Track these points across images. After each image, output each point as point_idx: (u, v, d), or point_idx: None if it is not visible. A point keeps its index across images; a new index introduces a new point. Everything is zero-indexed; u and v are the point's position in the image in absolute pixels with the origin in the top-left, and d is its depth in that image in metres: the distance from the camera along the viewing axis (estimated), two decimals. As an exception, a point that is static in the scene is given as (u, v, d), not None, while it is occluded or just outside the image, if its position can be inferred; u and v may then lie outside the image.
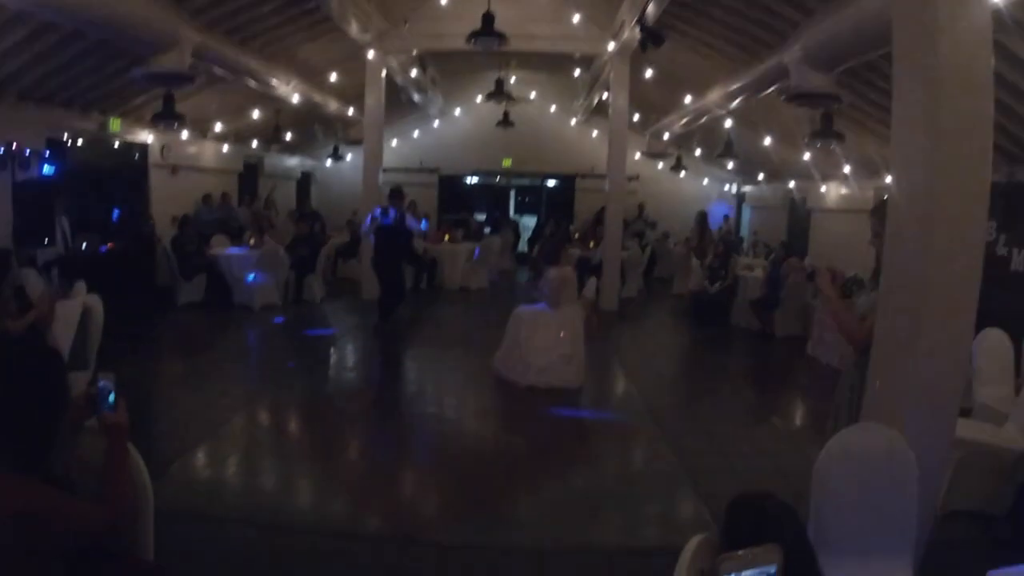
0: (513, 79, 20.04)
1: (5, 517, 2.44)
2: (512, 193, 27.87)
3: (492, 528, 5.61)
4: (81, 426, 2.97)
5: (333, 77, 15.55)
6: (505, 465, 7.01)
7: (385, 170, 16.66)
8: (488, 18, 11.38)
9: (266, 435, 7.85)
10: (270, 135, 18.37)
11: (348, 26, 13.13)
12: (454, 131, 24.30)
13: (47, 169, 11.52)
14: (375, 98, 15.33)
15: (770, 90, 11.25)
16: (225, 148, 18.23)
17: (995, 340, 6.79)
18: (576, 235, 20.19)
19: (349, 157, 22.60)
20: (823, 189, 16.47)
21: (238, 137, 18.30)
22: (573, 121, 23.95)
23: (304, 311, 14.33)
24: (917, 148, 4.05)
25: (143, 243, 13.71)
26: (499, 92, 17.93)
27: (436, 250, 18.02)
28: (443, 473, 6.77)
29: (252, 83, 13.38)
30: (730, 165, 20.05)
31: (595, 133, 22.81)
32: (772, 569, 2.08)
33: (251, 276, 13.78)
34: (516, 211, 27.70)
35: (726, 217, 23.23)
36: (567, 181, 25.13)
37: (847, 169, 13.86)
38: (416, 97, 19.97)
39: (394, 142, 23.26)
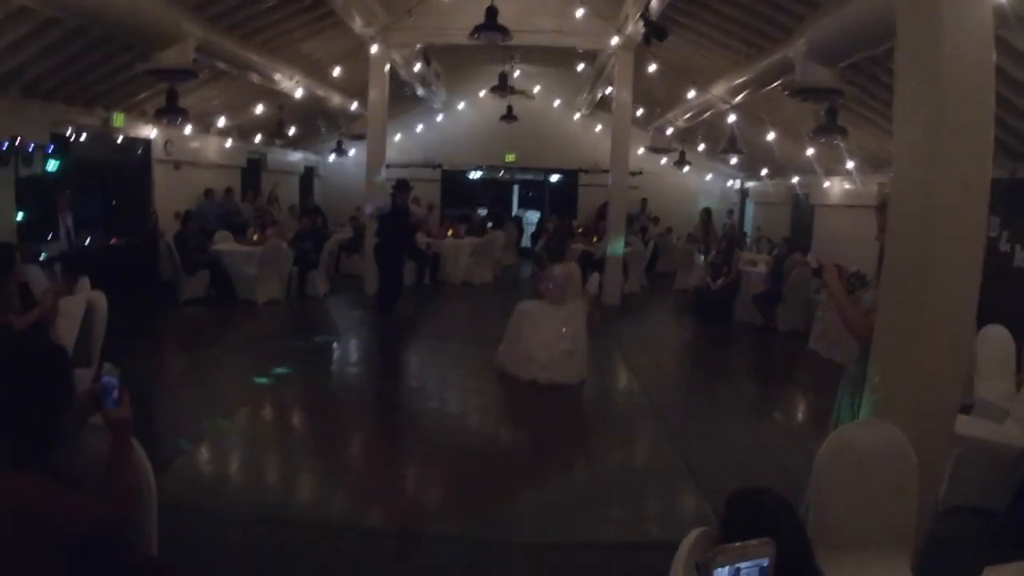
0: (517, 73, 20.01)
1: (9, 512, 2.46)
2: (515, 188, 27.86)
3: (494, 523, 5.63)
4: (85, 422, 2.98)
5: (336, 71, 15.52)
6: (507, 460, 7.04)
7: (388, 165, 16.64)
8: (492, 12, 11.37)
9: (269, 430, 7.87)
10: (273, 130, 18.36)
11: (352, 20, 13.13)
12: (457, 126, 24.24)
13: (51, 164, 11.53)
14: (379, 92, 15.33)
15: (774, 85, 11.24)
16: (228, 143, 18.21)
17: (996, 336, 6.80)
18: (579, 230, 20.19)
19: (352, 152, 22.58)
20: (827, 184, 16.45)
21: (241, 132, 18.29)
22: (576, 116, 23.93)
23: (307, 306, 14.35)
24: (918, 144, 4.05)
25: (146, 238, 13.72)
26: (503, 86, 17.91)
27: (439, 245, 18.02)
28: (445, 468, 6.79)
29: (255, 78, 13.38)
30: (734, 160, 20.03)
31: (598, 128, 22.77)
32: (765, 562, 2.10)
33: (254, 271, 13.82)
34: (519, 206, 27.71)
35: (730, 212, 23.22)
36: (570, 176, 25.07)
37: (851, 164, 13.84)
38: (420, 91, 19.95)
39: (397, 137, 23.22)
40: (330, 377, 9.92)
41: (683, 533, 2.93)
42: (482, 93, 20.85)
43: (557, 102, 23.60)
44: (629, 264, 16.99)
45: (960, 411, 6.19)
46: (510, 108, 20.70)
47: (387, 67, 15.27)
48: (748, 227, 22.43)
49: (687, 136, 20.55)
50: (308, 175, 24.76)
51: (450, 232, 18.82)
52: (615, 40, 13.97)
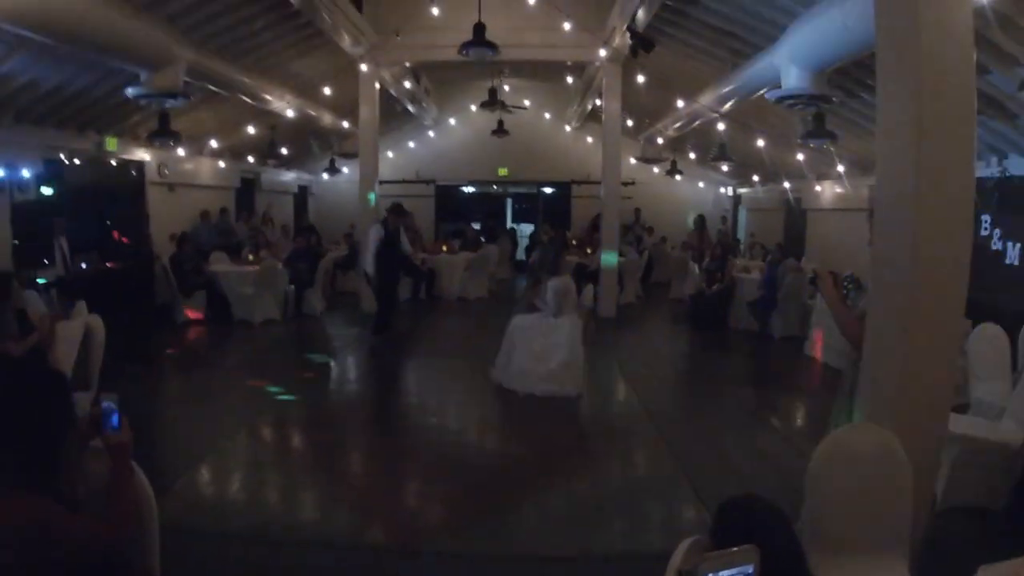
0: (507, 88, 20.10)
1: (13, 535, 2.48)
2: (509, 202, 27.91)
3: (494, 537, 5.65)
4: (86, 446, 3.00)
5: (327, 91, 15.60)
6: (507, 474, 7.05)
7: (381, 182, 16.70)
8: (479, 28, 11.43)
9: (270, 449, 7.89)
10: (266, 150, 18.44)
11: (340, 40, 13.21)
12: (449, 141, 24.34)
13: (45, 190, 11.56)
14: (369, 110, 15.38)
15: (761, 92, 11.30)
16: (222, 164, 18.27)
17: (991, 335, 6.82)
18: (573, 242, 20.24)
19: (345, 170, 22.64)
20: (818, 189, 16.53)
21: (234, 153, 18.35)
22: (567, 128, 24.03)
23: (304, 325, 14.37)
24: (901, 145, 4.08)
25: (141, 261, 13.74)
26: (493, 101, 17.99)
27: (434, 260, 18.06)
28: (444, 483, 6.80)
29: (247, 99, 13.44)
30: (725, 168, 20.11)
31: (590, 140, 22.87)
32: (749, 569, 2.10)
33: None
34: (513, 219, 27.73)
35: (724, 219, 23.29)
36: (563, 188, 25.14)
37: (841, 168, 13.91)
38: (410, 108, 20.03)
39: (390, 153, 23.31)
40: (329, 395, 9.93)
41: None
42: (473, 108, 20.94)
43: (548, 115, 23.71)
44: (624, 275, 17.02)
45: (956, 411, 6.25)
46: (501, 122, 20.79)
47: (377, 85, 15.34)
48: (741, 234, 22.50)
49: (678, 145, 20.66)
50: (302, 194, 24.83)
51: (444, 247, 18.85)
52: (603, 52, 14.07)
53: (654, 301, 18.69)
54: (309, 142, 20.90)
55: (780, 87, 9.76)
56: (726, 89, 12.41)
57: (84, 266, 12.12)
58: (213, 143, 16.70)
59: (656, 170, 22.99)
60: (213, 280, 14.04)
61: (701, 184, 24.29)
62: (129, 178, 15.01)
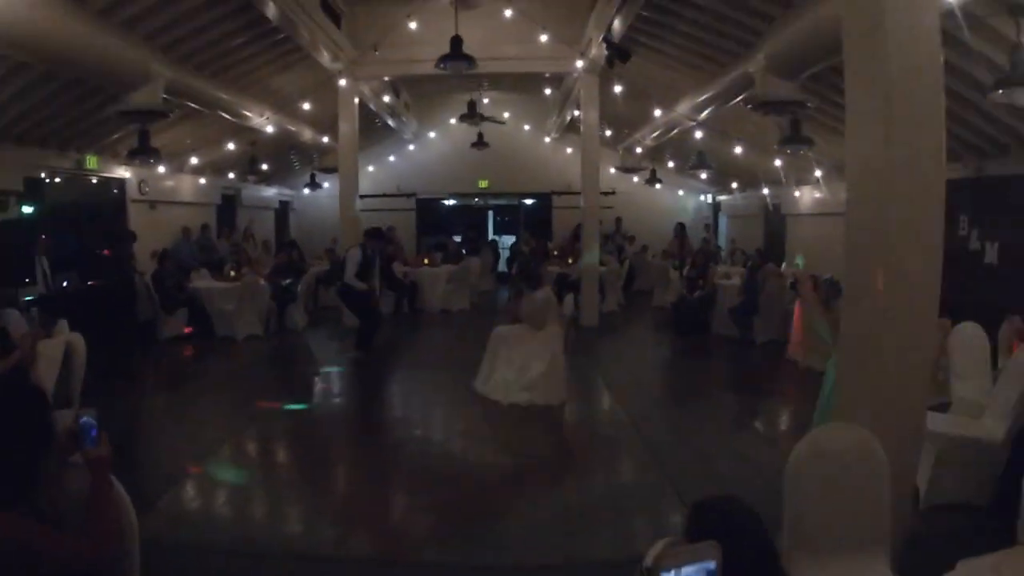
0: (486, 100, 20.16)
1: (-7, 553, 2.48)
2: (490, 214, 27.95)
3: (479, 546, 5.66)
4: (65, 461, 3.00)
5: (306, 106, 15.61)
6: (492, 484, 7.06)
7: (362, 196, 16.70)
8: (456, 41, 11.47)
9: (253, 464, 7.86)
10: (246, 166, 18.42)
11: (319, 55, 13.24)
12: (430, 154, 24.37)
13: (25, 209, 11.52)
14: (349, 125, 15.39)
15: (737, 99, 11.39)
16: (202, 181, 18.25)
17: (970, 333, 6.88)
18: (555, 252, 20.28)
19: (326, 185, 22.60)
20: (796, 194, 16.63)
21: (215, 169, 18.33)
22: (547, 140, 24.09)
23: (287, 341, 14.34)
24: (870, 146, 4.13)
25: (123, 279, 13.68)
26: (472, 114, 18.04)
27: (416, 274, 18.05)
28: (429, 494, 6.80)
29: (226, 115, 13.44)
30: (704, 175, 20.20)
31: (569, 150, 22.92)
32: (712, 565, 2.09)
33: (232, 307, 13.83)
34: (495, 231, 27.77)
35: (707, 227, 23.40)
36: (544, 199, 25.19)
37: (818, 173, 14.02)
38: (390, 122, 20.04)
39: (370, 168, 23.31)
40: (312, 409, 9.89)
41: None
42: (453, 121, 20.99)
43: (527, 127, 23.78)
44: (606, 283, 17.06)
45: (937, 409, 6.31)
46: (481, 135, 20.82)
47: (356, 100, 15.34)
48: (722, 240, 22.60)
49: (656, 154, 20.75)
50: (283, 210, 24.81)
51: (426, 260, 18.84)
52: (580, 64, 14.16)
53: (636, 309, 18.74)
54: (289, 158, 20.89)
55: (756, 94, 9.85)
56: (703, 97, 12.51)
57: (65, 284, 12.06)
58: (193, 160, 16.70)
59: (636, 179, 23.07)
60: (195, 297, 14.00)
61: (681, 192, 24.41)
62: (110, 196, 14.98)
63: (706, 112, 13.04)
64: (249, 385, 10.78)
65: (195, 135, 15.31)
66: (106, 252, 13.36)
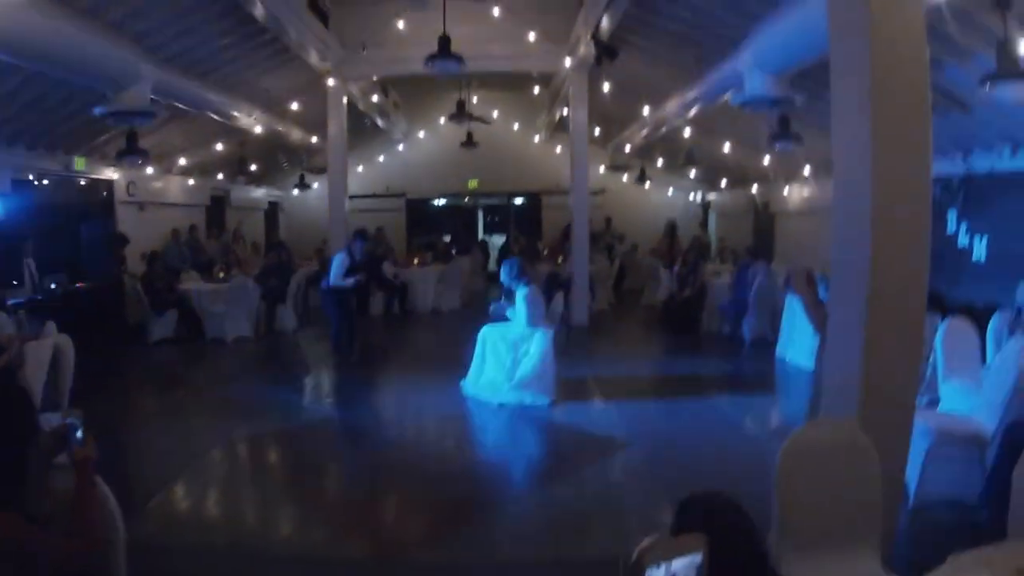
0: (475, 100, 20.16)
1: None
2: (480, 213, 27.94)
3: (470, 546, 5.66)
4: (51, 463, 2.99)
5: (295, 106, 15.61)
6: (483, 484, 7.07)
7: (351, 197, 16.69)
8: (444, 41, 11.45)
9: (244, 466, 7.85)
10: (235, 167, 18.39)
11: (307, 55, 13.21)
12: (419, 154, 24.37)
13: (13, 211, 11.47)
14: (337, 125, 15.37)
15: (725, 97, 11.40)
16: (191, 182, 18.22)
17: (959, 329, 6.92)
18: (545, 251, 20.28)
19: (316, 185, 22.60)
20: (785, 192, 16.66)
21: (203, 170, 18.30)
22: (536, 139, 24.10)
23: (277, 342, 14.31)
24: (856, 142, 4.14)
25: (112, 281, 13.66)
26: (461, 113, 18.03)
27: (406, 274, 18.04)
28: (420, 494, 6.80)
29: (214, 116, 13.41)
30: (693, 173, 20.24)
31: (559, 149, 22.90)
32: (698, 558, 2.07)
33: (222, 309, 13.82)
34: (485, 231, 27.75)
35: (702, 225, 23.43)
36: (534, 199, 25.24)
37: (807, 170, 14.05)
38: (379, 122, 20.03)
39: (360, 168, 23.33)
40: (302, 410, 9.87)
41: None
42: (442, 121, 20.98)
43: (516, 126, 23.77)
44: (596, 282, 17.05)
45: (928, 405, 6.33)
46: (470, 135, 20.83)
47: (344, 100, 15.33)
48: (712, 238, 22.63)
49: (646, 152, 20.79)
50: (273, 210, 24.77)
51: (416, 260, 18.83)
52: (568, 62, 14.15)
53: (626, 308, 18.74)
54: (278, 158, 20.85)
55: (744, 91, 9.86)
56: (691, 95, 12.51)
57: (53, 286, 12.02)
58: (182, 161, 16.68)
59: (625, 178, 23.10)
60: (185, 298, 13.96)
61: (670, 191, 24.41)
62: (98, 197, 14.93)
63: (694, 110, 13.06)
64: (239, 387, 10.74)
65: (183, 136, 15.28)
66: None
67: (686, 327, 14.39)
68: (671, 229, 20.08)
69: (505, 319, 9.75)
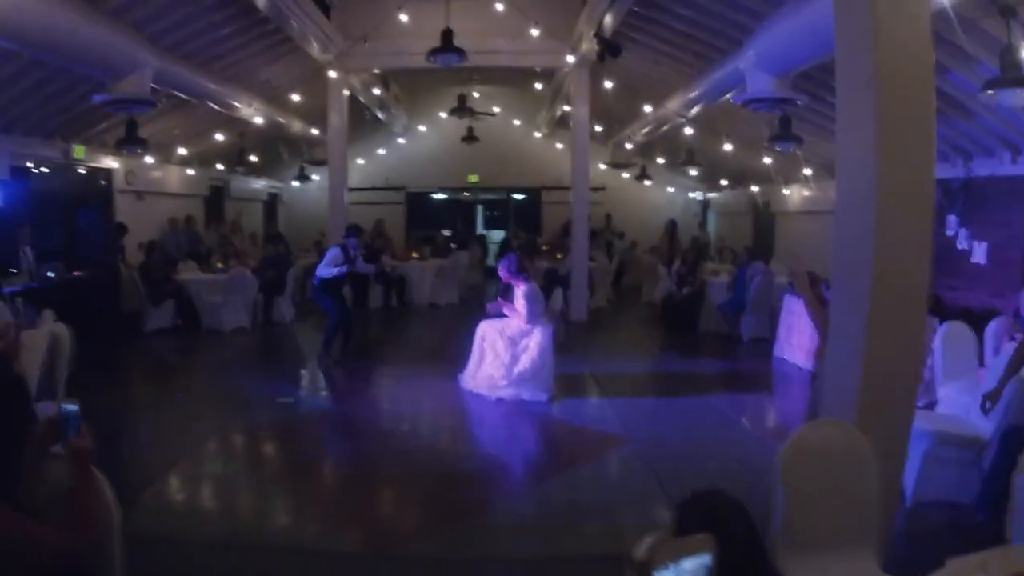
0: (476, 94, 20.13)
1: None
2: (479, 208, 27.93)
3: (468, 541, 5.65)
4: (47, 453, 2.97)
5: (296, 98, 15.57)
6: (479, 479, 7.04)
7: (351, 189, 16.66)
8: (447, 34, 11.44)
9: (239, 458, 7.83)
10: (235, 158, 18.35)
11: (308, 46, 13.18)
12: (419, 148, 24.35)
13: (11, 198, 11.45)
14: (338, 117, 15.34)
15: (727, 96, 11.39)
16: (190, 172, 18.18)
17: (957, 332, 6.94)
18: (544, 247, 20.28)
19: (315, 177, 22.54)
20: (786, 192, 16.66)
21: (203, 161, 18.26)
22: (537, 134, 24.06)
23: (274, 333, 14.30)
24: (860, 145, 4.13)
25: (108, 270, 13.63)
26: (462, 108, 18.00)
27: (404, 267, 18.02)
28: (417, 488, 6.80)
29: (215, 106, 13.38)
30: (693, 172, 20.23)
31: (559, 146, 22.89)
32: (707, 559, 2.06)
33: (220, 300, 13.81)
34: (484, 226, 27.75)
35: (702, 225, 23.43)
36: (533, 194, 25.23)
37: (808, 171, 14.04)
38: (380, 115, 20.00)
39: (360, 161, 23.30)
40: (299, 403, 9.85)
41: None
42: (443, 115, 20.96)
43: (517, 122, 23.75)
44: (595, 279, 17.05)
45: (926, 407, 6.33)
46: (471, 129, 20.81)
47: (345, 92, 15.30)
48: (711, 237, 22.63)
49: (647, 150, 20.77)
50: (272, 202, 24.73)
51: (415, 254, 18.82)
52: (570, 58, 14.13)
53: (625, 305, 18.75)
54: (278, 149, 20.81)
55: (746, 91, 9.85)
56: (693, 94, 12.51)
57: (50, 275, 11.99)
58: (181, 151, 16.64)
59: (626, 175, 23.08)
60: (182, 288, 13.94)
61: (671, 189, 24.40)
62: (97, 186, 14.91)
63: (696, 108, 13.04)
64: (235, 378, 10.72)
65: (183, 126, 15.25)
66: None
67: (684, 325, 14.38)
68: (671, 228, 20.08)
69: (503, 315, 9.73)
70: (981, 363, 7.04)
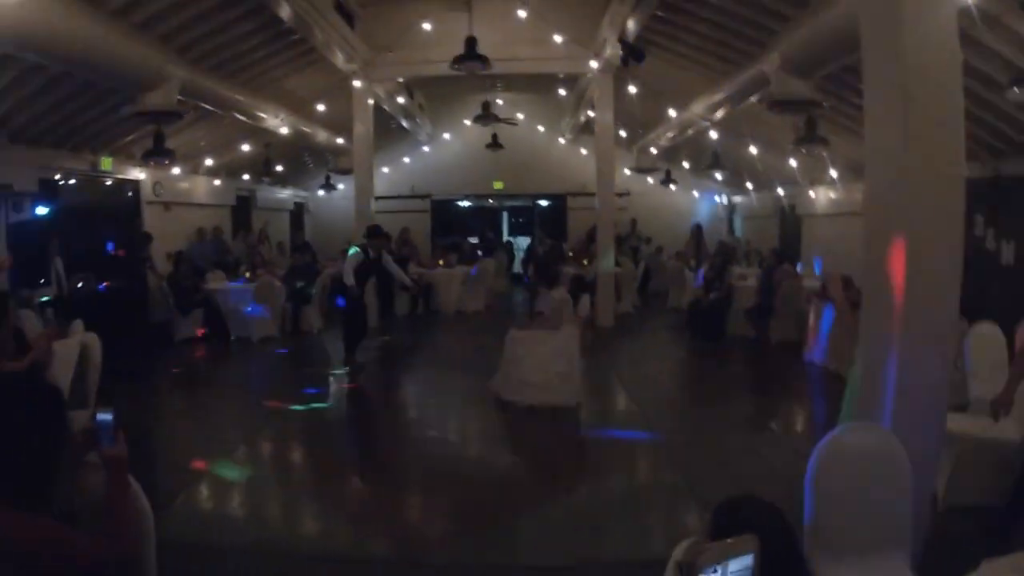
0: (500, 102, 20.18)
1: (10, 551, 2.47)
2: (505, 215, 27.96)
3: (496, 547, 5.66)
4: (82, 461, 3.00)
5: (321, 107, 15.66)
6: (508, 485, 7.04)
7: (377, 198, 16.73)
8: (471, 42, 11.48)
9: (269, 464, 7.88)
10: (261, 168, 18.49)
11: (333, 57, 13.26)
12: (444, 156, 24.43)
13: (40, 210, 11.57)
14: (363, 126, 15.41)
15: (752, 99, 11.35)
16: (217, 182, 18.33)
17: (987, 334, 6.87)
18: (570, 253, 20.26)
19: (341, 187, 22.65)
20: (812, 194, 16.55)
21: (229, 171, 18.40)
22: (561, 140, 24.07)
23: (302, 342, 14.37)
24: (889, 145, 4.11)
25: (137, 281, 13.75)
26: (486, 115, 18.04)
27: (431, 275, 18.07)
28: (446, 494, 6.80)
29: (241, 116, 13.48)
30: (718, 176, 20.15)
31: (584, 151, 22.88)
32: (749, 559, 2.07)
33: (248, 309, 13.89)
34: (509, 232, 27.78)
35: (732, 231, 23.34)
36: (559, 200, 25.24)
37: (834, 173, 13.95)
38: (405, 123, 20.07)
39: (385, 169, 23.38)
40: (328, 410, 9.89)
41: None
42: (467, 122, 21.01)
43: (541, 128, 23.77)
44: (621, 285, 17.01)
45: (956, 410, 6.26)
46: (495, 136, 20.85)
47: (370, 101, 15.36)
48: (738, 241, 22.50)
49: (671, 154, 20.72)
50: (298, 211, 24.88)
51: (441, 262, 18.87)
52: (594, 64, 14.14)
53: (651, 310, 18.69)
54: (304, 159, 20.94)
55: (771, 93, 9.81)
56: (718, 97, 12.47)
57: (80, 285, 12.11)
58: (208, 161, 16.77)
59: (651, 180, 23.03)
60: (210, 298, 14.05)
61: (696, 193, 24.32)
62: (125, 197, 15.06)
63: (721, 112, 13.00)
64: (264, 386, 10.80)
65: (210, 136, 15.37)
66: (121, 252, 13.41)
67: (712, 330, 14.30)
68: (697, 232, 20.00)
69: (529, 322, 9.75)
70: (1010, 364, 6.96)
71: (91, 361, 7.07)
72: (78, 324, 7.68)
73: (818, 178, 15.42)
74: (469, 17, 11.76)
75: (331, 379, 11.49)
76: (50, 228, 11.85)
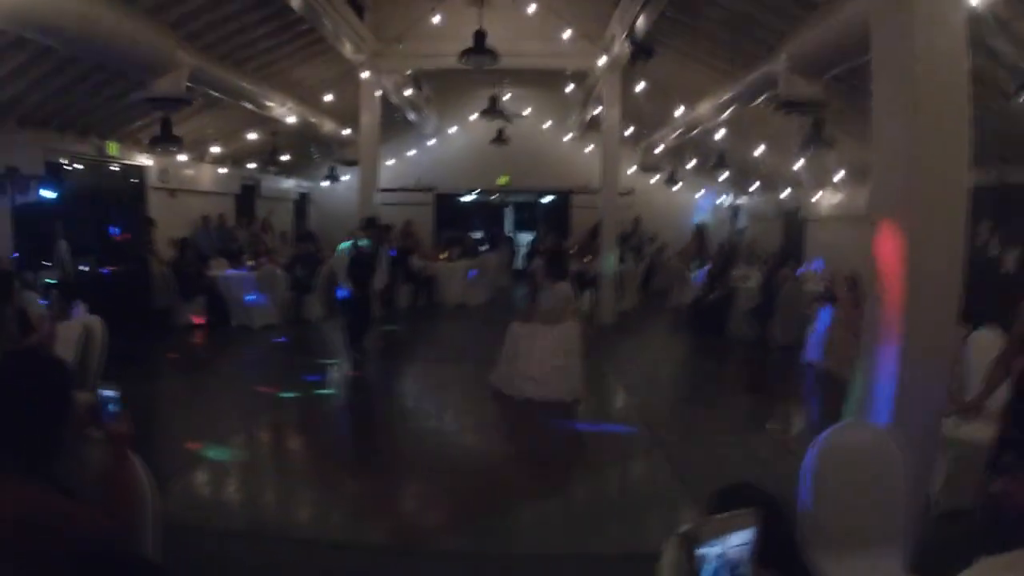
0: (507, 96, 20.16)
1: (12, 522, 2.50)
2: (508, 210, 27.94)
3: (492, 538, 5.68)
4: (85, 434, 3.02)
5: (328, 98, 15.66)
6: (505, 477, 7.06)
7: (381, 190, 16.73)
8: (480, 36, 11.47)
9: (268, 451, 7.92)
10: (267, 157, 18.50)
11: (342, 47, 13.26)
12: (450, 149, 24.41)
13: (46, 193, 11.61)
14: (370, 118, 15.41)
15: (760, 100, 11.34)
16: (222, 170, 18.36)
17: (987, 340, 6.87)
18: (572, 250, 20.25)
19: (346, 177, 22.66)
20: (816, 197, 16.55)
21: (235, 159, 18.43)
22: (567, 137, 24.03)
23: (303, 330, 14.39)
24: (896, 149, 4.12)
25: (140, 265, 13.79)
26: (493, 109, 18.03)
27: (434, 268, 18.08)
28: (443, 485, 6.81)
29: (248, 105, 13.50)
30: (724, 176, 20.13)
31: (589, 148, 22.85)
32: (750, 533, 2.09)
33: (250, 296, 13.92)
34: (513, 228, 27.76)
35: (740, 232, 23.32)
36: (563, 197, 25.20)
37: (839, 176, 13.94)
38: (411, 116, 20.05)
39: (390, 161, 23.34)
40: (327, 398, 9.93)
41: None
42: (473, 117, 20.99)
43: (548, 124, 23.72)
44: (624, 282, 17.01)
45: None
46: (501, 131, 20.84)
47: (378, 93, 15.36)
48: (742, 242, 22.49)
49: (677, 153, 20.68)
50: (302, 201, 24.89)
51: (443, 255, 18.88)
52: (602, 61, 14.12)
53: (653, 308, 18.68)
54: (310, 149, 20.94)
55: (779, 94, 9.81)
56: (725, 97, 12.46)
57: (83, 268, 12.16)
58: (214, 149, 16.78)
59: (655, 179, 23.01)
60: (213, 285, 14.08)
61: (700, 193, 24.30)
62: (130, 183, 15.08)
63: (728, 112, 13.00)
64: (265, 373, 10.82)
65: (217, 124, 15.39)
66: (126, 236, 13.45)
67: (712, 329, 14.32)
68: (700, 232, 19.99)
69: (531, 316, 9.76)
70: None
71: (94, 344, 7.09)
72: (81, 307, 7.71)
73: (823, 181, 15.41)
74: (480, 11, 11.75)
75: (330, 367, 11.50)
76: (55, 211, 11.90)
